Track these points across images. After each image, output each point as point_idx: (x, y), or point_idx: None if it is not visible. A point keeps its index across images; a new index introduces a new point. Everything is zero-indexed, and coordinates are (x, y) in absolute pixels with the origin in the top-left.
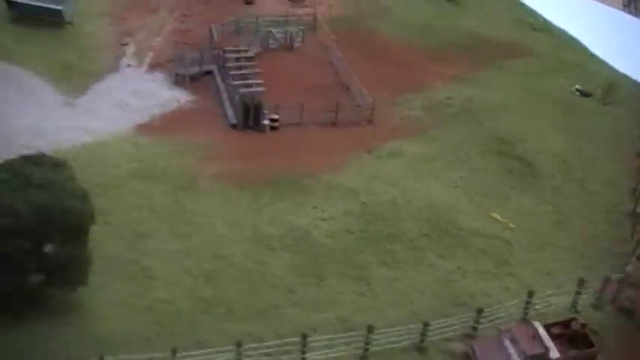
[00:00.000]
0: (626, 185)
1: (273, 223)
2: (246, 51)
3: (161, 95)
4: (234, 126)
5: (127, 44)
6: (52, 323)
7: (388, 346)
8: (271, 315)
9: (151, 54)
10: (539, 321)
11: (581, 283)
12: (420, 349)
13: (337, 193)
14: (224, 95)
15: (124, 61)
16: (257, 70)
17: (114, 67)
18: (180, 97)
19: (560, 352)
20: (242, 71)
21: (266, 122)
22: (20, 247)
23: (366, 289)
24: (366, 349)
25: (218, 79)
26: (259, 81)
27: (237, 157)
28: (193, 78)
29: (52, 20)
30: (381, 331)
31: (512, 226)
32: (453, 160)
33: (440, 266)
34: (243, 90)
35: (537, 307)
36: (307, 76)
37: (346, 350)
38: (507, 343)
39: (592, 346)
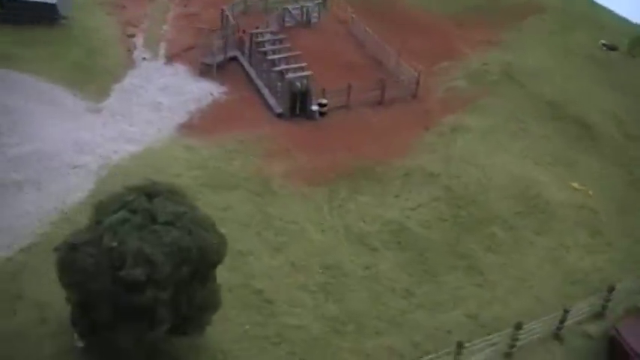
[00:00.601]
0: None
1: (363, 219)
2: (277, 33)
3: (191, 89)
4: (279, 115)
5: (134, 35)
6: None
7: (529, 338)
8: (401, 323)
9: (163, 44)
10: None
11: None
12: (557, 336)
13: (416, 179)
14: (259, 82)
15: (137, 54)
16: (296, 52)
17: (129, 63)
18: (212, 90)
19: None
20: (281, 55)
21: (315, 108)
22: (155, 299)
23: (481, 280)
24: (512, 346)
25: (246, 65)
26: (303, 64)
27: (298, 150)
28: (220, 66)
29: (45, 16)
30: (526, 325)
31: (590, 192)
32: (514, 129)
33: (540, 244)
34: (290, 75)
35: None
36: (335, 54)
37: (495, 350)
38: None
39: None
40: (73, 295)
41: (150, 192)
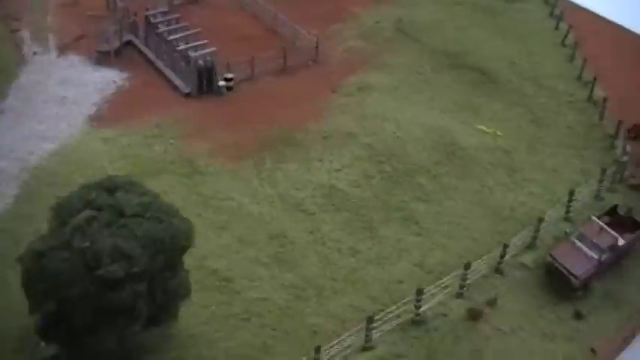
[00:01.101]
0: (571, 74)
1: (294, 186)
2: (169, 13)
3: (92, 79)
4: (187, 95)
5: (18, 30)
6: None
7: (475, 277)
8: (355, 281)
9: (51, 35)
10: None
11: (603, 171)
12: (498, 270)
13: (335, 141)
14: (160, 64)
15: (26, 49)
16: (195, 30)
17: (20, 59)
18: (114, 77)
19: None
20: (180, 34)
21: (222, 84)
22: (135, 293)
23: (418, 229)
24: (463, 287)
25: (143, 48)
26: (204, 41)
27: (215, 127)
28: (117, 53)
29: None
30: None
31: (499, 133)
32: (416, 83)
33: (465, 188)
34: (194, 54)
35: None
36: (230, 28)
37: (447, 293)
38: (579, 243)
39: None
40: (44, 305)
41: (109, 186)
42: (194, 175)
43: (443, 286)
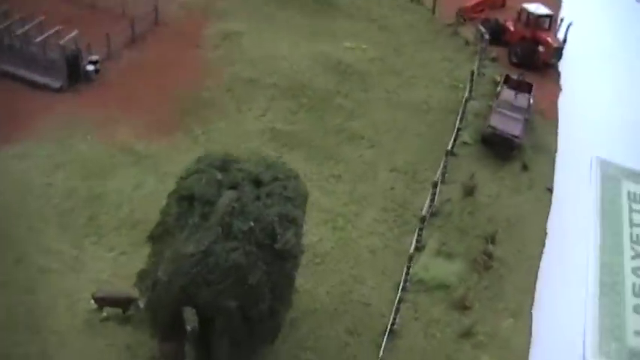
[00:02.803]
0: None
1: (239, 140)
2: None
3: None
4: (59, 89)
5: None
6: None
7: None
8: (360, 201)
9: None
10: None
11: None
12: (452, 152)
13: (244, 90)
14: (9, 68)
15: None
16: (39, 18)
17: None
18: None
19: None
20: (26, 27)
21: (90, 68)
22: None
23: (367, 142)
24: (445, 173)
25: None
26: (59, 27)
27: (117, 113)
28: None
29: None
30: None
31: (364, 46)
32: (268, 21)
33: (376, 98)
34: (59, 43)
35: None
36: (51, 14)
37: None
38: (505, 110)
39: (532, 86)
40: (221, 306)
41: (223, 164)
42: (144, 161)
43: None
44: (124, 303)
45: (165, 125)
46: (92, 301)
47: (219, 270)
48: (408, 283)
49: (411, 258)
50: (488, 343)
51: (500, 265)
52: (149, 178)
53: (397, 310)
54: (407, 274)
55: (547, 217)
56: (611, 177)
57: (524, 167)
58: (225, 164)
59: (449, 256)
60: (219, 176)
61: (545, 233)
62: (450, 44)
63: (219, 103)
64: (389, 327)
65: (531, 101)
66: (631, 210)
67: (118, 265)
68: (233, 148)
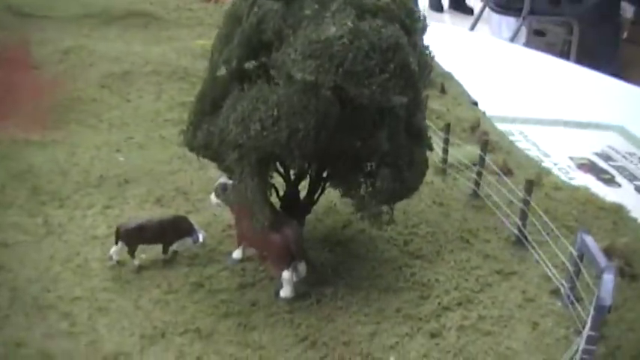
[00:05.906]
0: None
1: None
2: None
3: None
4: None
5: None
6: None
7: None
8: None
9: None
10: None
11: None
12: None
13: (135, 79)
14: None
15: None
16: None
17: None
18: None
19: None
20: None
21: None
22: None
23: None
24: None
25: None
26: None
27: None
28: None
29: None
30: None
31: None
32: (103, 37)
33: None
34: None
35: None
36: None
37: None
38: None
39: None
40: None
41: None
42: (53, 144)
43: None
44: (168, 233)
45: (50, 122)
46: (112, 252)
47: (379, 53)
48: None
49: None
50: None
51: None
52: (78, 150)
53: None
54: None
55: None
56: None
57: None
58: None
59: None
60: None
61: None
62: None
63: (100, 98)
64: None
65: None
66: None
67: (110, 218)
68: (148, 122)
